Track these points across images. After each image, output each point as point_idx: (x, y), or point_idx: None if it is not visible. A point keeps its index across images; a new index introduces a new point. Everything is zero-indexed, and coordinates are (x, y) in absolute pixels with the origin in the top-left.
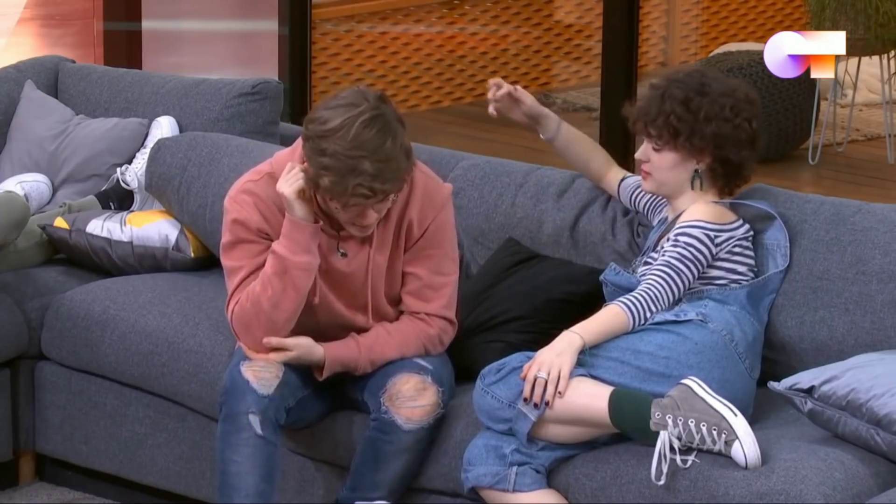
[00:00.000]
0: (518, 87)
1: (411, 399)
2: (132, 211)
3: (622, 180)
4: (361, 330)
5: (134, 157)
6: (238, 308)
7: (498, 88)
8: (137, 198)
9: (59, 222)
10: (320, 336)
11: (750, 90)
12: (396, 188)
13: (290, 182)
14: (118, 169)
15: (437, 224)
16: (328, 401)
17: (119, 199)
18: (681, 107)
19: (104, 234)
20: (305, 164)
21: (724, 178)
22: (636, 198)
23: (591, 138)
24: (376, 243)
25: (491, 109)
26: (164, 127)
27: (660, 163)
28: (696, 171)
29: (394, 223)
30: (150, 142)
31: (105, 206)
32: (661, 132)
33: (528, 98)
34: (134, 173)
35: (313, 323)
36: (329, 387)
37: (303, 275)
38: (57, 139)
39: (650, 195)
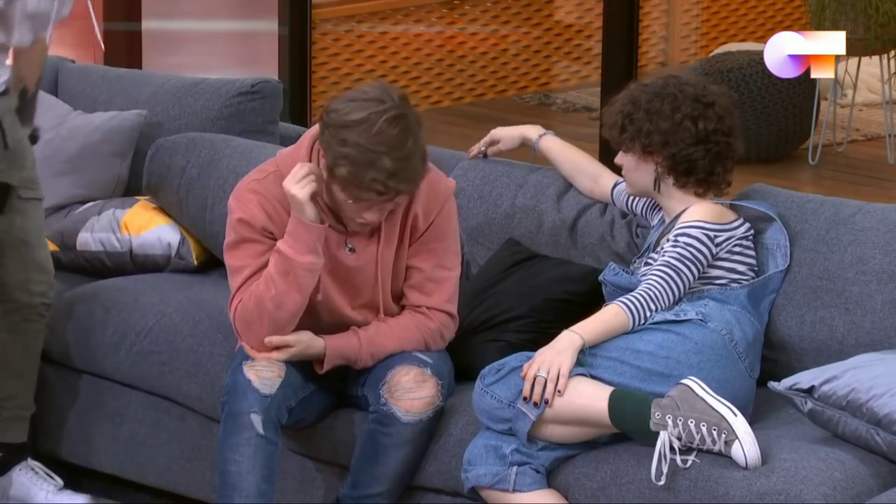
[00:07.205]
0: (491, 135)
1: (410, 391)
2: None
3: (615, 186)
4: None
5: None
6: (241, 307)
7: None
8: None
9: (48, 245)
10: (322, 334)
11: (709, 93)
12: (409, 190)
13: (303, 185)
14: None
15: (442, 217)
16: (330, 400)
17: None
18: (629, 106)
19: (97, 247)
20: (318, 163)
21: (685, 176)
22: (631, 202)
23: (592, 137)
24: (384, 238)
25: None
26: None
27: (625, 164)
28: (656, 171)
29: (399, 217)
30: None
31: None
32: (612, 132)
33: (503, 143)
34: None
35: (315, 321)
36: (330, 386)
37: (307, 275)
38: (52, 132)
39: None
